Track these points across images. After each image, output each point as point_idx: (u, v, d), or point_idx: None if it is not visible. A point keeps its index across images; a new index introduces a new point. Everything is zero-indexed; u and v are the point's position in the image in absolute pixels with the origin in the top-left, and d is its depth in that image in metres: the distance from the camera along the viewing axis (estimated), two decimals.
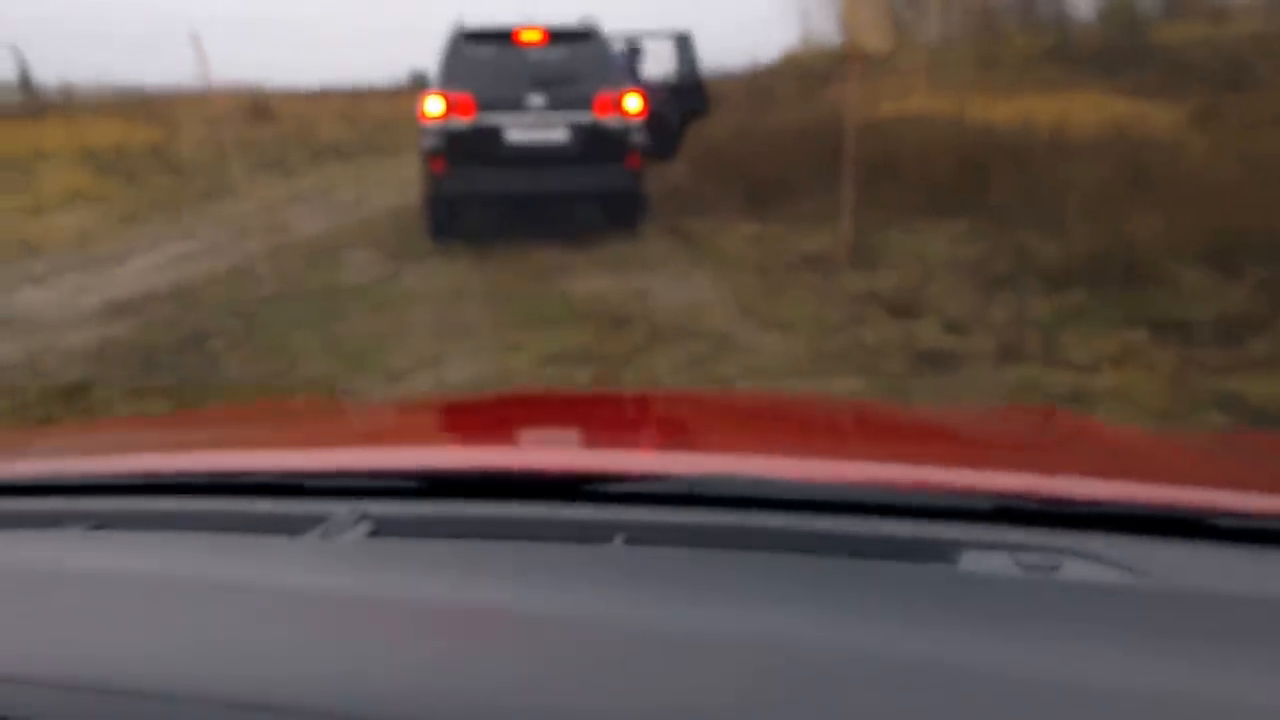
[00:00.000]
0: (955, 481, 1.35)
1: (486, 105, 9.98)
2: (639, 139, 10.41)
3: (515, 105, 10.05)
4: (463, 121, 9.99)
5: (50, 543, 1.27)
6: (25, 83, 20.32)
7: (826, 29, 44.54)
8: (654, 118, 10.87)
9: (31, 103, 20.01)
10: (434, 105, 10.03)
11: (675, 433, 2.16)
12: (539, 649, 0.90)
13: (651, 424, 2.27)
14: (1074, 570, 1.08)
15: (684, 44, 11.97)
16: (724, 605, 0.97)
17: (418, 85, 10.42)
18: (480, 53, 10.36)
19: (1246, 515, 1.21)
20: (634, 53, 12.54)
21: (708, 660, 0.86)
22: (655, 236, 10.74)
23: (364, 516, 1.25)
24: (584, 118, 10.15)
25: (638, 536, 1.19)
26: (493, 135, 10.00)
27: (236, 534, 1.26)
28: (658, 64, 13.62)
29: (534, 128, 10.10)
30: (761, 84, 23.37)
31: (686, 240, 10.52)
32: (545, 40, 10.45)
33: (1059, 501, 1.23)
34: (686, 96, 11.94)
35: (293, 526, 1.23)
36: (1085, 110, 15.89)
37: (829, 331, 6.94)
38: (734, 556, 1.13)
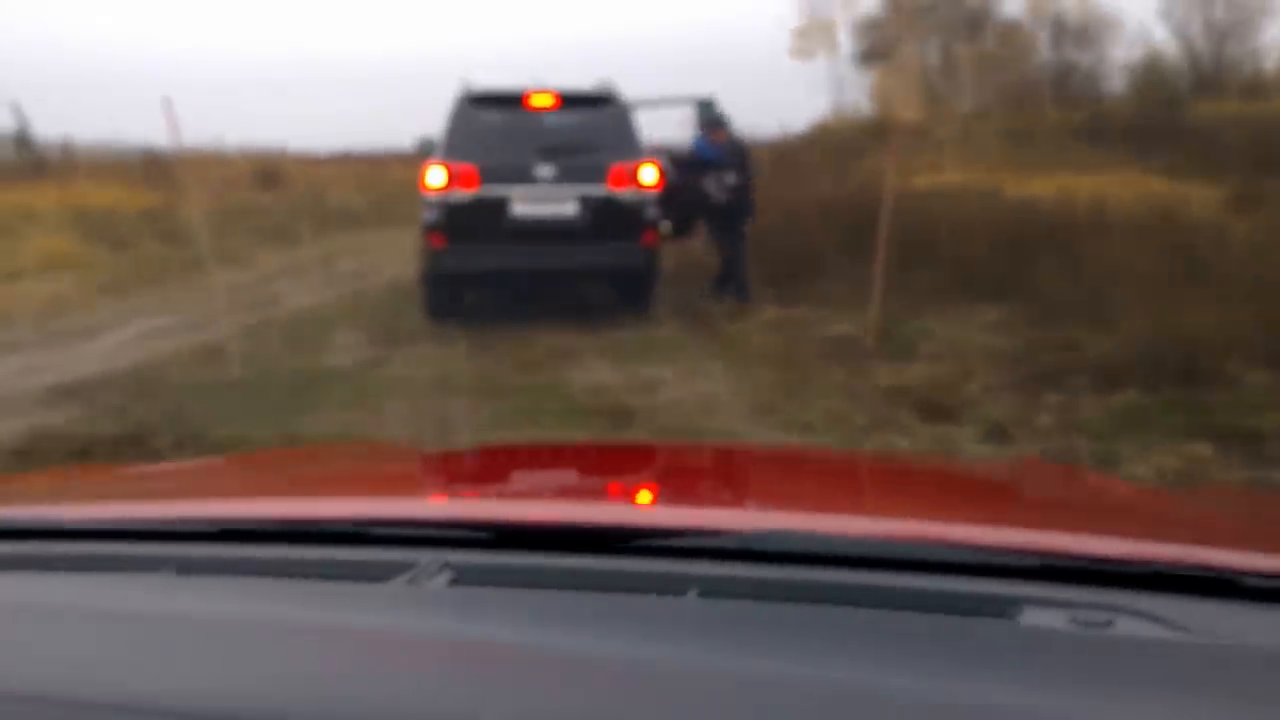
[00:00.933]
0: (1008, 540, 1.42)
1: (491, 176, 9.43)
2: (655, 214, 9.83)
3: (522, 176, 9.49)
4: (465, 194, 9.44)
5: (142, 587, 1.30)
6: (22, 140, 19.91)
7: (859, 99, 44.67)
8: (672, 190, 10.29)
9: (27, 161, 19.60)
10: (435, 176, 9.50)
11: (733, 486, 2.27)
12: (621, 697, 0.93)
13: (709, 477, 2.36)
14: (1127, 627, 1.13)
15: (707, 109, 11.42)
16: (795, 658, 1.01)
17: (424, 153, 9.81)
18: (487, 119, 9.82)
19: (1275, 575, 1.26)
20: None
21: (781, 711, 0.90)
22: (669, 319, 10.16)
23: (446, 565, 1.28)
24: (596, 190, 9.59)
25: (711, 590, 1.22)
26: (497, 208, 9.43)
27: (323, 580, 1.30)
28: (676, 130, 13.13)
29: (542, 200, 9.53)
30: (791, 154, 22.85)
31: (703, 324, 9.92)
32: (558, 105, 9.91)
33: (1109, 561, 1.29)
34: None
35: (377, 573, 1.28)
36: (1122, 189, 15.39)
37: (854, 436, 6.30)
38: (802, 610, 1.17)
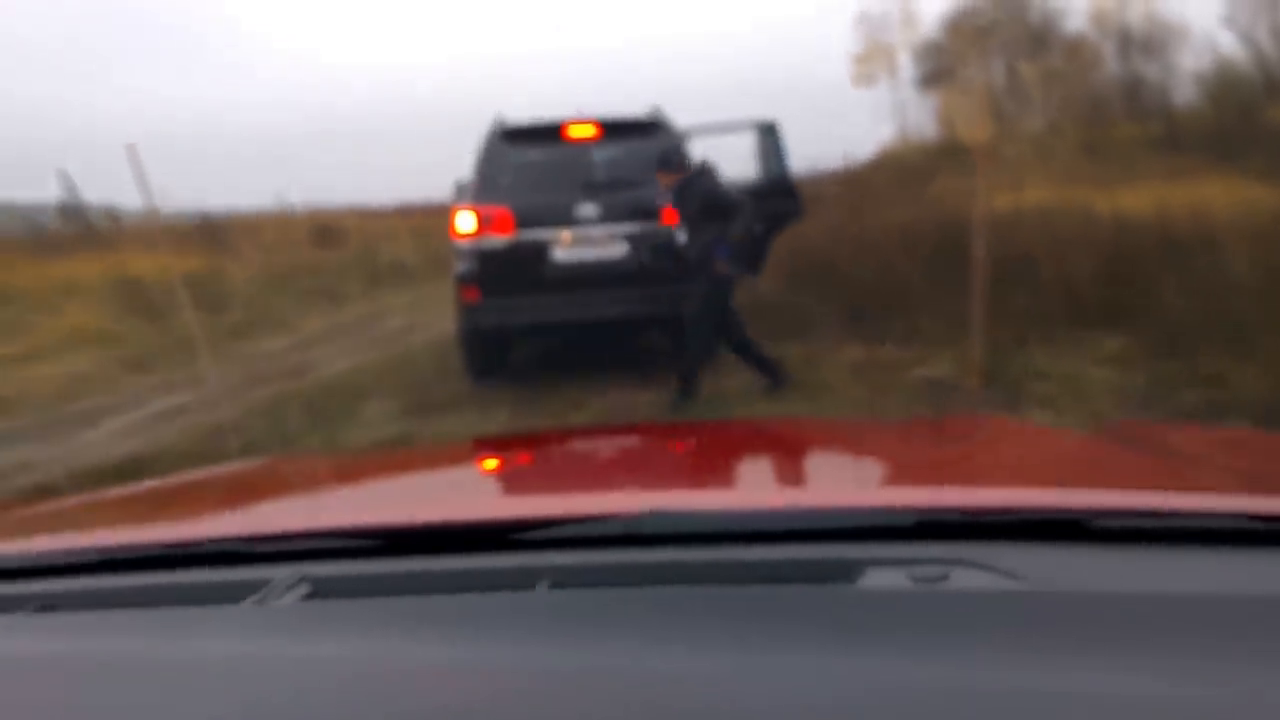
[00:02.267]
0: (856, 501, 1.47)
1: (528, 219, 8.13)
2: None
3: (564, 217, 8.16)
4: (500, 240, 8.14)
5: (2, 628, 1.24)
6: (67, 209, 19.03)
7: (924, 123, 43.26)
8: None
9: (72, 231, 18.71)
10: (465, 222, 8.21)
11: (602, 472, 2.21)
12: (469, 700, 0.90)
13: (579, 465, 2.31)
14: (961, 580, 1.15)
15: (768, 136, 9.94)
16: (640, 642, 0.99)
17: (461, 198, 8.51)
18: (522, 155, 8.52)
19: (1122, 514, 1.27)
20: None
21: (624, 698, 0.88)
22: (739, 368, 8.78)
23: (302, 579, 1.25)
24: (647, 229, 8.23)
25: (560, 580, 1.22)
26: (536, 255, 8.12)
27: (180, 607, 1.25)
28: (736, 160, 11.74)
29: (586, 244, 8.19)
30: (858, 182, 21.41)
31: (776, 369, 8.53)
32: (600, 136, 8.59)
33: (946, 512, 1.30)
34: (773, 198, 9.89)
35: (234, 594, 1.24)
36: (1219, 199, 13.82)
37: None
38: (650, 593, 1.17)
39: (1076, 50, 33.60)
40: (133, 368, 11.05)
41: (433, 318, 13.00)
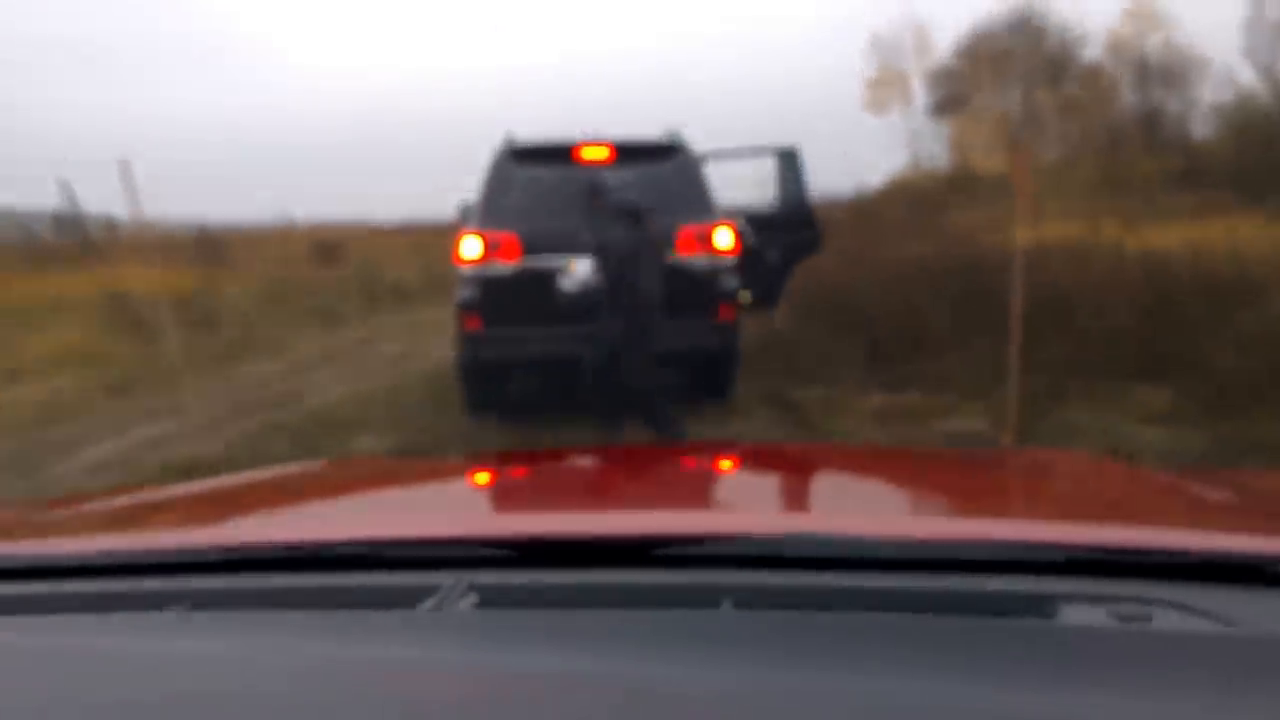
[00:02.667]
0: (1040, 534, 1.38)
1: (536, 245, 7.52)
2: (732, 284, 7.85)
3: (573, 244, 7.53)
4: (505, 266, 7.54)
5: (150, 626, 1.20)
6: (63, 219, 18.42)
7: (936, 151, 42.73)
8: (750, 255, 8.26)
9: (66, 241, 18.10)
10: (470, 247, 7.60)
11: (759, 488, 2.16)
12: (653, 718, 0.88)
13: (733, 479, 2.26)
14: (1166, 621, 1.09)
15: (789, 162, 9.36)
16: (834, 669, 0.96)
17: (465, 220, 7.88)
18: (531, 176, 7.91)
19: None
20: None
21: None
22: (752, 408, 8.22)
23: (471, 587, 1.21)
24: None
25: (745, 600, 1.16)
26: (543, 283, 7.46)
27: (343, 610, 1.20)
28: (755, 187, 11.14)
29: (597, 272, 7.57)
30: (870, 210, 20.81)
31: (793, 415, 7.99)
32: (613, 158, 7.97)
33: (1143, 552, 1.25)
34: (792, 227, 9.28)
35: (400, 599, 1.19)
36: (1252, 239, 13.22)
37: None
38: (838, 618, 1.12)
39: (1094, 80, 33.02)
40: (116, 392, 10.42)
41: (430, 345, 12.38)
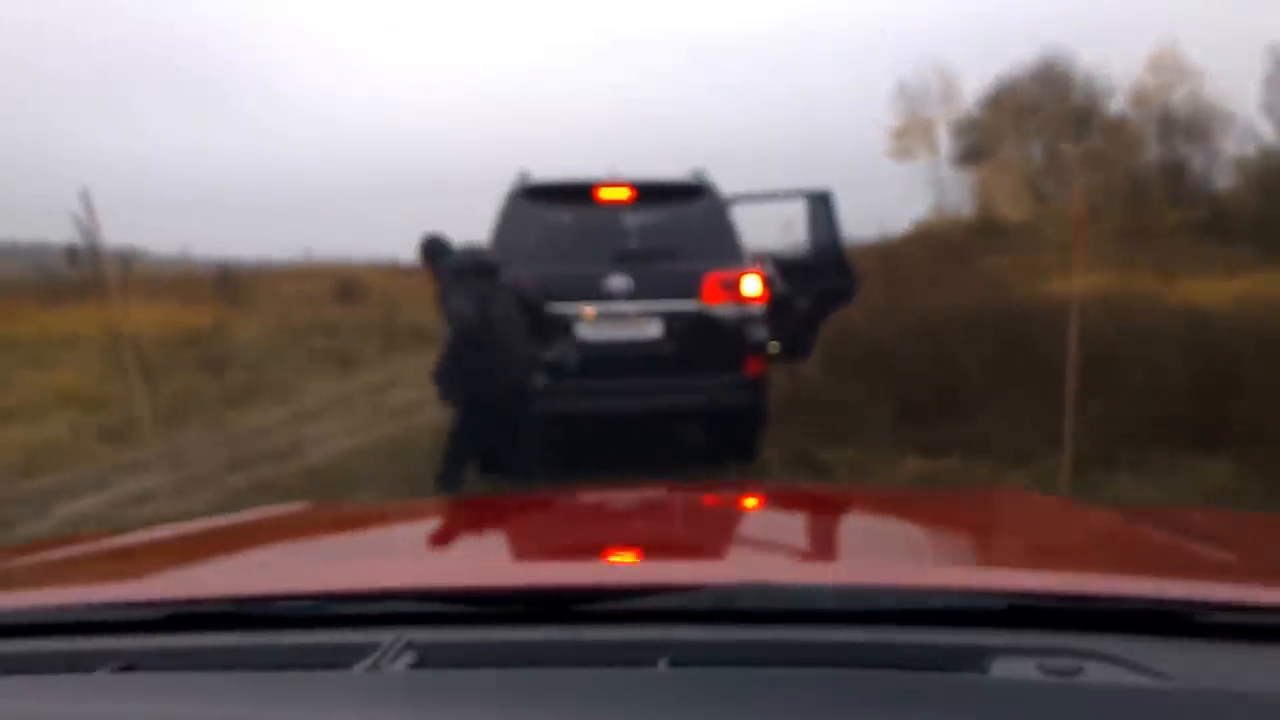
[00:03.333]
0: (976, 583, 1.39)
1: (550, 291, 6.78)
2: (761, 335, 7.10)
3: (590, 290, 6.83)
4: None
5: (77, 689, 1.14)
6: (75, 253, 17.77)
7: (960, 199, 42.09)
8: (779, 303, 7.51)
9: (78, 278, 17.46)
10: None
11: (704, 536, 2.08)
12: None
13: (679, 527, 2.19)
14: (1097, 674, 1.07)
15: (821, 205, 8.63)
16: None
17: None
18: (546, 217, 7.20)
19: (1247, 610, 1.21)
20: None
21: None
22: (781, 471, 7.40)
23: (408, 645, 1.17)
24: (686, 306, 6.92)
25: (680, 658, 1.13)
26: (556, 333, 6.77)
27: (281, 671, 1.16)
28: (783, 231, 10.40)
29: (616, 322, 6.86)
30: (896, 257, 20.04)
31: (824, 480, 7.15)
32: (634, 198, 7.25)
33: (1074, 599, 1.23)
34: (824, 274, 8.53)
35: (336, 659, 1.14)
36: None
37: None
38: (774, 674, 1.09)
39: (1118, 132, 32.31)
40: (110, 438, 9.72)
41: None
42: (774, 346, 7.39)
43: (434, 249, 6.39)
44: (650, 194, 7.24)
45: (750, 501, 2.68)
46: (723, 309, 6.92)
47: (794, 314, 8.09)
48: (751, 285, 7.02)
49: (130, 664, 1.18)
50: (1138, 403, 7.90)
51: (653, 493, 2.76)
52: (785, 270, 7.97)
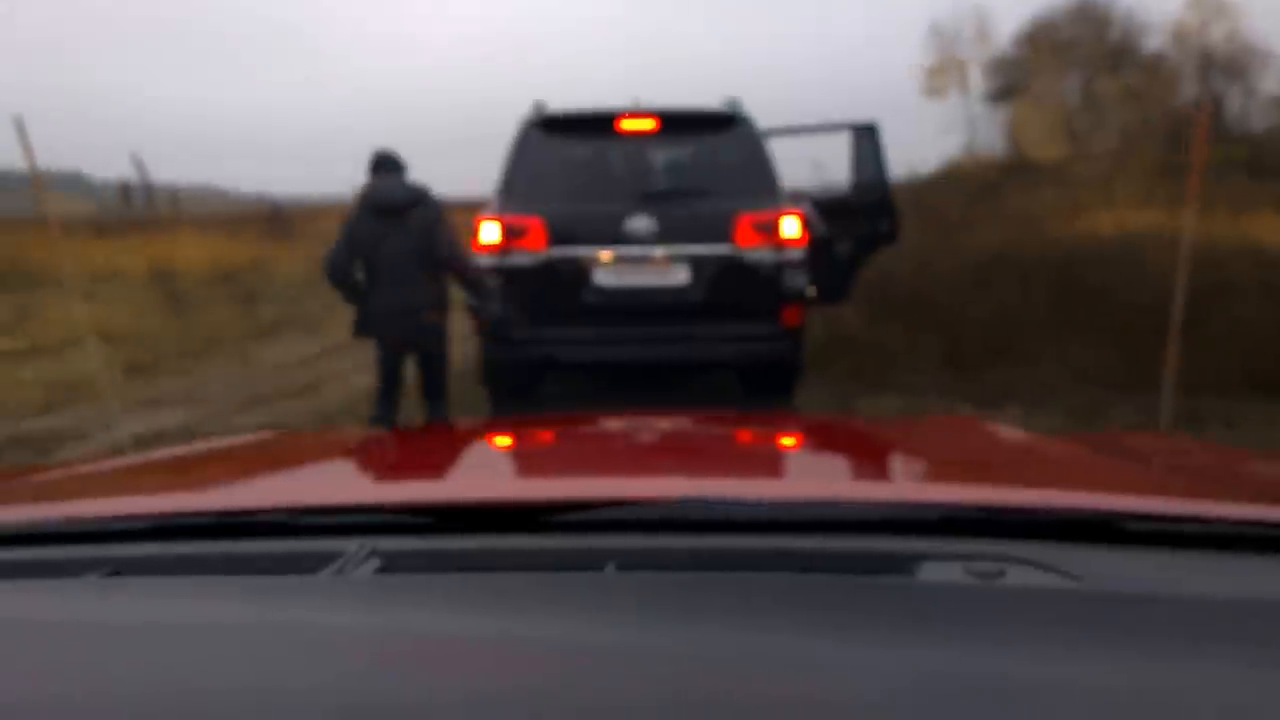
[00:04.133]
0: (908, 495, 1.45)
1: (567, 232, 6.00)
2: (800, 282, 6.22)
3: (611, 231, 5.98)
4: (530, 256, 5.99)
5: (66, 592, 1.15)
6: (130, 190, 17.14)
7: (992, 138, 40.63)
8: (817, 245, 6.61)
9: (130, 214, 16.82)
10: (488, 233, 6.05)
11: (656, 456, 2.11)
12: (541, 678, 0.86)
13: (636, 448, 2.21)
14: (1018, 577, 1.10)
15: (867, 140, 7.70)
16: (706, 626, 0.95)
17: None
18: (563, 152, 6.34)
19: (1163, 519, 1.24)
20: None
21: (695, 679, 0.85)
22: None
23: (373, 553, 1.19)
24: (717, 249, 6.04)
25: (627, 563, 1.16)
26: (575, 277, 5.97)
27: (254, 575, 1.18)
28: (817, 168, 9.49)
29: (639, 265, 6.02)
30: (929, 197, 18.93)
31: None
32: (660, 129, 6.34)
33: (1001, 511, 1.26)
34: (867, 215, 7.62)
35: (307, 565, 1.17)
36: None
37: None
38: (715, 578, 1.09)
39: (1155, 69, 30.69)
40: (136, 373, 9.09)
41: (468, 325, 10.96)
42: (810, 290, 6.53)
43: (374, 166, 5.57)
44: (678, 125, 6.35)
45: (718, 426, 2.64)
46: (757, 253, 6.05)
47: (834, 258, 7.22)
48: (790, 227, 6.13)
49: (117, 570, 1.21)
50: (1217, 352, 6.99)
51: (628, 418, 2.67)
52: (825, 211, 7.08)
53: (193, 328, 10.82)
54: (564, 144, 6.28)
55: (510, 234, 5.94)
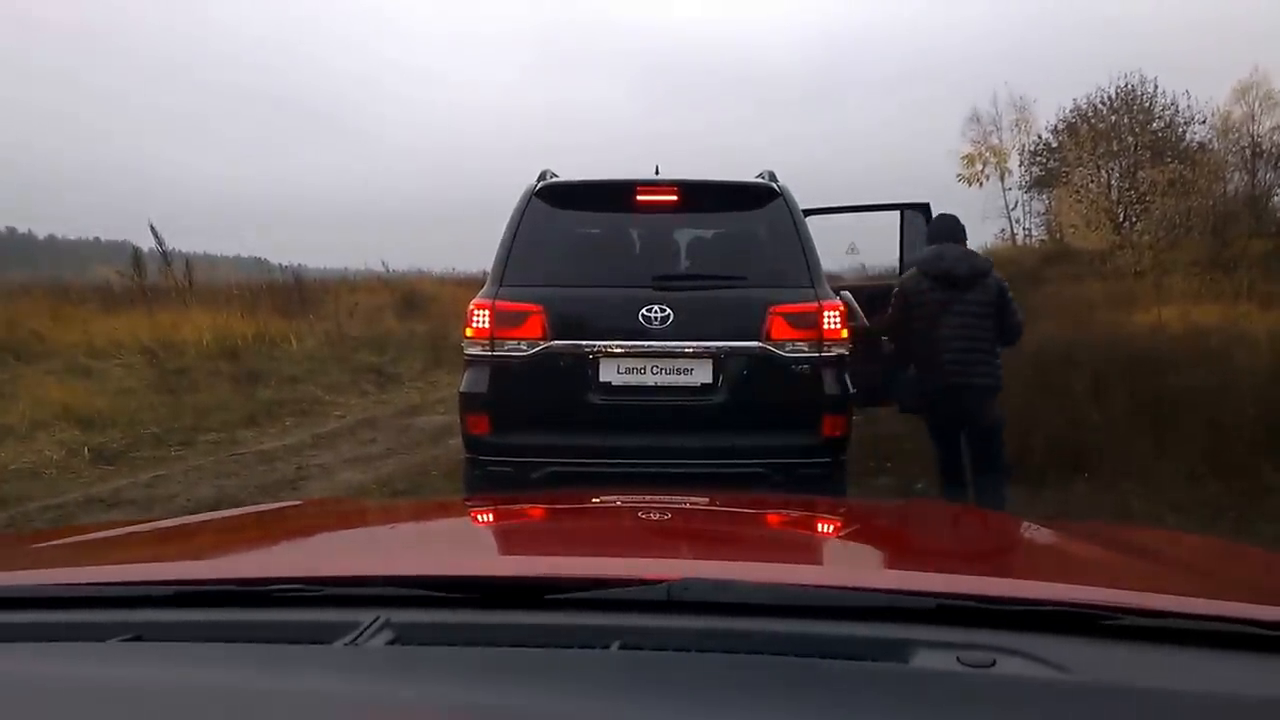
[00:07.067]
0: (908, 584, 1.39)
1: (570, 320, 5.00)
2: (843, 385, 5.13)
3: (622, 322, 4.94)
4: (527, 346, 4.97)
5: (89, 656, 1.17)
6: (141, 258, 16.43)
7: (1030, 226, 39.75)
8: (858, 337, 5.54)
9: (139, 285, 16.07)
10: (479, 319, 5.06)
11: (662, 537, 2.12)
12: None
13: (642, 528, 2.22)
14: (1009, 667, 1.10)
15: (920, 220, 6.74)
16: (707, 707, 0.97)
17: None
18: (569, 226, 5.33)
19: (1148, 614, 1.23)
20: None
21: None
22: None
23: (386, 624, 1.20)
24: (746, 345, 4.98)
25: (630, 642, 1.17)
26: (577, 373, 4.94)
27: (271, 644, 1.20)
28: (849, 255, 8.52)
29: (653, 362, 4.98)
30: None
31: None
32: (682, 202, 5.31)
33: (994, 600, 1.26)
34: None
35: (322, 634, 1.18)
36: None
37: None
38: (715, 659, 1.13)
39: (1200, 160, 29.71)
40: (103, 461, 8.19)
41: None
42: (854, 395, 5.48)
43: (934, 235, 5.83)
44: (703, 198, 5.37)
45: (721, 508, 2.55)
46: (793, 349, 5.01)
47: (877, 353, 6.20)
48: (833, 319, 5.09)
49: (139, 635, 1.21)
50: None
51: (636, 497, 2.62)
52: (868, 298, 6.08)
53: (181, 409, 9.91)
54: (571, 217, 5.28)
55: (502, 321, 4.95)
